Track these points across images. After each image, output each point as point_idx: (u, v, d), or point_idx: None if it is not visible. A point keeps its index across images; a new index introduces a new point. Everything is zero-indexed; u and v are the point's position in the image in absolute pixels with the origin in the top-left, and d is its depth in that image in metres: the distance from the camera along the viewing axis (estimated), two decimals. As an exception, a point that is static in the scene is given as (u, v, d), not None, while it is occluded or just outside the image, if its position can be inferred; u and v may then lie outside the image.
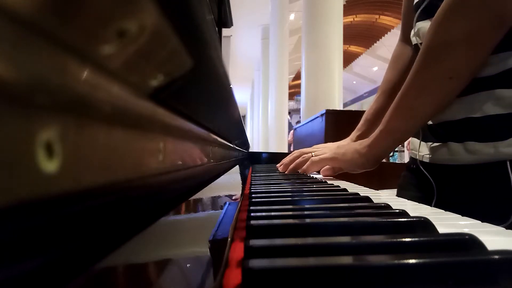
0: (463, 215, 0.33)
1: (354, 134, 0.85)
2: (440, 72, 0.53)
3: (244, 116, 18.36)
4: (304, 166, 0.76)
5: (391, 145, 0.65)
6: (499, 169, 0.51)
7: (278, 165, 0.99)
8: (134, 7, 0.12)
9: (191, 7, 0.16)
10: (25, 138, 0.07)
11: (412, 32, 0.67)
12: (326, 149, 0.75)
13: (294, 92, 16.69)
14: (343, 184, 0.62)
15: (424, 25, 0.62)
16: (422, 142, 0.65)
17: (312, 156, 0.76)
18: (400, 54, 0.80)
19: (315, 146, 0.88)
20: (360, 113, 0.88)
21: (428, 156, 0.63)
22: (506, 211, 0.48)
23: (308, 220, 0.29)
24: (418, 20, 0.65)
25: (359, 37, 13.29)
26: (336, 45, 4.40)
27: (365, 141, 0.67)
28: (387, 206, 0.34)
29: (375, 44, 13.54)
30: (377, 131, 0.64)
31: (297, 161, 0.80)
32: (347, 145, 0.71)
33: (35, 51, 0.08)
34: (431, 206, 0.45)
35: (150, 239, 0.14)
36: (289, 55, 8.93)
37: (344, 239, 0.23)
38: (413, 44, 0.67)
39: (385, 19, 11.73)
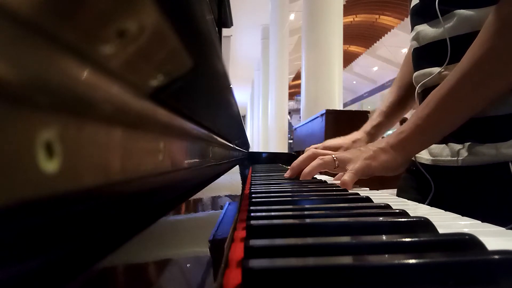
0: (464, 216, 0.33)
1: (368, 125, 0.82)
2: None
3: (244, 116, 18.37)
4: (346, 178, 0.55)
5: (427, 142, 0.58)
6: (501, 170, 0.51)
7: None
8: (134, 7, 0.12)
9: (191, 7, 0.16)
10: (25, 138, 0.07)
11: (411, 36, 0.66)
12: (348, 154, 0.60)
13: (294, 92, 16.70)
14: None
15: (422, 29, 0.62)
16: None
17: (334, 159, 0.60)
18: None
19: (320, 146, 0.80)
20: (360, 113, 0.88)
21: (428, 158, 0.63)
22: (508, 214, 0.48)
23: (308, 220, 0.29)
24: (416, 24, 0.65)
25: (359, 37, 13.30)
26: (336, 45, 4.41)
27: (392, 139, 0.58)
28: (387, 206, 0.34)
29: (375, 44, 13.56)
30: (409, 126, 0.56)
31: (315, 164, 0.62)
32: (368, 149, 0.59)
33: (35, 51, 0.08)
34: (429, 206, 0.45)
35: (150, 239, 0.14)
36: (289, 55, 8.94)
37: (344, 239, 0.23)
38: (412, 48, 0.67)
39: (385, 19, 11.74)
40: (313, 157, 0.65)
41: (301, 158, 0.67)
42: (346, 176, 0.55)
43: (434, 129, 0.55)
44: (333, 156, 0.60)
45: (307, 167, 0.63)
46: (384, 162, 0.57)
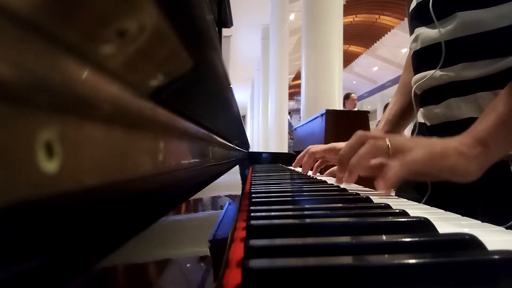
0: (464, 216, 0.33)
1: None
2: None
3: (244, 116, 18.37)
4: (390, 172, 0.43)
5: None
6: (501, 169, 0.51)
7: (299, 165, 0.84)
8: (134, 7, 0.12)
9: (191, 7, 0.16)
10: (25, 138, 0.07)
11: (411, 38, 0.67)
12: (408, 141, 0.48)
13: (294, 92, 16.69)
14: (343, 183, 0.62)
15: (422, 31, 0.62)
16: None
17: (388, 145, 0.46)
18: None
19: (320, 149, 0.77)
20: (360, 113, 0.88)
21: None
22: (507, 212, 0.48)
23: (308, 220, 0.29)
24: (415, 27, 0.65)
25: (359, 37, 13.29)
26: (336, 45, 4.41)
27: (467, 140, 0.46)
28: (387, 206, 0.34)
29: (375, 44, 13.55)
30: (489, 124, 0.45)
31: (363, 152, 0.48)
32: (433, 141, 0.47)
33: (35, 51, 0.08)
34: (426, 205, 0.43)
35: (150, 239, 0.14)
36: (289, 55, 8.93)
37: (344, 239, 0.23)
38: (412, 50, 0.67)
39: (385, 19, 11.73)
40: (363, 140, 0.50)
41: (349, 144, 0.51)
42: (391, 170, 0.42)
43: None
44: (388, 140, 0.46)
45: (353, 158, 0.48)
46: (455, 165, 0.45)
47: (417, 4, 0.64)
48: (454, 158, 0.45)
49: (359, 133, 0.52)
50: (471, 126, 0.48)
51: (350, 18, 11.66)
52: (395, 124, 0.80)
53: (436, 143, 0.47)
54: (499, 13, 0.51)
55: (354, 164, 0.48)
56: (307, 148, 0.81)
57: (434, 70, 0.59)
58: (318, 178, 0.74)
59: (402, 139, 0.48)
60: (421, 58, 0.64)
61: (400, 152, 0.46)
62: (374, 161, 0.47)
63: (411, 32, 0.68)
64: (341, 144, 0.78)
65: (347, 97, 4.17)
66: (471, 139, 0.46)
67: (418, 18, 0.64)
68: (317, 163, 0.85)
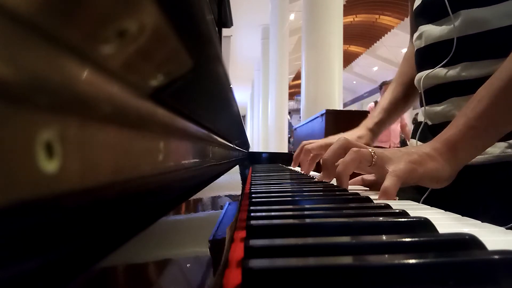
0: (464, 216, 0.33)
1: (370, 121, 0.79)
2: None
3: (244, 116, 18.37)
4: (387, 183, 0.44)
5: (482, 147, 0.48)
6: (503, 170, 0.51)
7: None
8: (134, 7, 0.12)
9: (191, 7, 0.16)
10: (25, 138, 0.07)
11: (415, 36, 0.66)
12: (387, 152, 0.48)
13: (294, 92, 16.70)
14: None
15: (426, 29, 0.62)
16: (420, 143, 0.65)
17: (372, 154, 0.47)
18: (413, 53, 0.80)
19: (321, 141, 0.75)
20: (360, 113, 0.87)
21: None
22: (508, 213, 0.48)
23: (308, 220, 0.29)
24: (420, 24, 0.65)
25: (359, 37, 13.29)
26: (336, 45, 4.41)
27: (439, 145, 0.48)
28: (387, 206, 0.34)
29: (375, 44, 13.55)
30: (459, 128, 0.46)
31: (348, 159, 0.48)
32: (410, 151, 0.48)
33: (35, 51, 0.08)
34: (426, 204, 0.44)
35: (150, 239, 0.14)
36: (289, 55, 8.93)
37: (344, 239, 0.23)
38: (415, 48, 0.67)
39: (385, 19, 11.74)
40: (346, 147, 0.51)
41: (332, 149, 0.53)
42: (388, 182, 0.44)
43: (491, 130, 0.46)
44: (371, 150, 0.48)
45: (339, 166, 0.49)
46: (432, 171, 0.46)
47: (422, 1, 0.64)
48: (429, 164, 0.46)
49: (342, 139, 0.53)
50: (443, 131, 0.49)
51: (350, 18, 11.66)
52: (390, 112, 0.80)
53: (412, 152, 0.48)
54: (503, 11, 0.51)
55: (341, 172, 0.49)
56: (301, 144, 0.80)
57: (438, 67, 0.59)
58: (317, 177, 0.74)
59: (382, 149, 0.49)
60: (425, 56, 0.64)
61: (384, 162, 0.47)
62: (358, 170, 0.49)
63: (414, 30, 0.68)
64: (335, 138, 0.74)
65: (383, 85, 3.91)
66: (441, 144, 0.48)
67: (423, 16, 0.63)
68: (309, 159, 0.80)
